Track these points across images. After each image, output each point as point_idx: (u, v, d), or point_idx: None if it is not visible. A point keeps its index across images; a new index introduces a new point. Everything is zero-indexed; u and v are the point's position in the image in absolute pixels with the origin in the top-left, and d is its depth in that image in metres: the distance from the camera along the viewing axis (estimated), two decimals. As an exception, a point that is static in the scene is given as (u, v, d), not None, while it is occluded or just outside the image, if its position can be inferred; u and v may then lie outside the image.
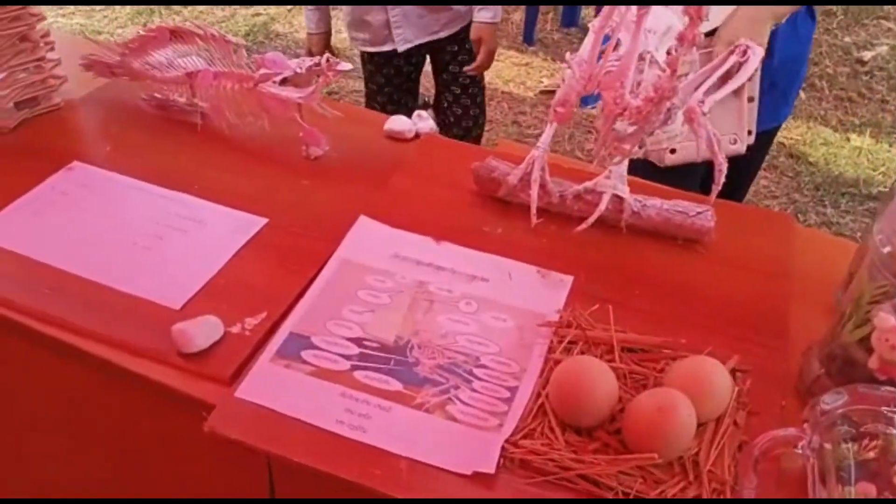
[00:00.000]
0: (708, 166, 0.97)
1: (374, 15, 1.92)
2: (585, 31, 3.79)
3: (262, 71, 1.05)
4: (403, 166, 1.09)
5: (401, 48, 1.96)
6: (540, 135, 3.61)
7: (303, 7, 2.09)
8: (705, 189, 1.48)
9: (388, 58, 2.03)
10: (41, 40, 1.14)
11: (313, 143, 1.09)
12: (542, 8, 3.92)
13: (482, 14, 1.92)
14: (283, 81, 1.05)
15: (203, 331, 0.82)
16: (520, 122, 3.24)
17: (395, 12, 1.91)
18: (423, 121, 1.19)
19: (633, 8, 0.71)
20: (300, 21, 3.75)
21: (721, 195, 0.92)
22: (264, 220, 1.00)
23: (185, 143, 1.13)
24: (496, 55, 2.10)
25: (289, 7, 3.86)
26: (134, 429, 0.91)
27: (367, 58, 2.07)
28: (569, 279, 0.91)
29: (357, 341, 0.83)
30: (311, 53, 2.04)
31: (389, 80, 2.11)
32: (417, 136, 1.18)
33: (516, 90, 3.45)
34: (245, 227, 0.98)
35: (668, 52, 0.83)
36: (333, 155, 1.12)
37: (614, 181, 0.95)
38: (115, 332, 0.83)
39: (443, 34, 1.99)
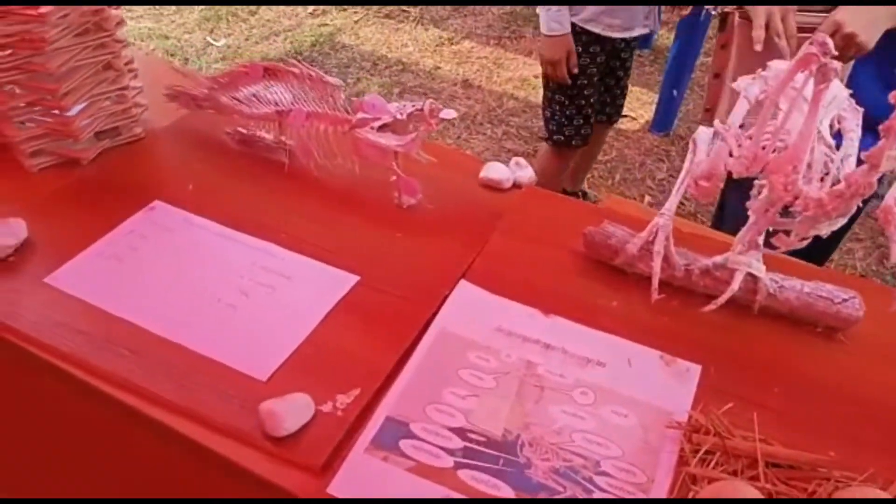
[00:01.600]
0: None
1: None
2: (658, 54, 3.66)
3: (360, 115, 0.97)
4: (504, 222, 1.01)
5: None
6: (614, 165, 3.50)
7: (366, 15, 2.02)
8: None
9: (614, 45, 2.08)
10: (125, 68, 1.08)
11: (409, 193, 1.01)
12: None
13: None
14: (381, 126, 0.98)
15: (293, 411, 0.75)
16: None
17: None
18: (522, 169, 1.10)
19: (810, 83, 0.62)
20: (366, 33, 3.71)
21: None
22: (355, 278, 0.92)
23: (271, 185, 1.06)
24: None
25: (355, 19, 3.82)
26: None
27: (591, 43, 2.06)
28: (696, 369, 0.81)
29: (460, 432, 0.75)
30: (551, 60, 2.02)
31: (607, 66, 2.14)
32: (516, 185, 1.09)
33: (585, 113, 3.34)
34: (335, 286, 0.91)
35: (832, 126, 0.73)
36: (426, 204, 1.04)
37: (749, 258, 0.85)
38: (198, 406, 0.76)
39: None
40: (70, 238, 0.94)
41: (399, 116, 0.96)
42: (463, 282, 0.90)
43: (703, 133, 0.84)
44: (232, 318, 0.86)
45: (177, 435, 0.75)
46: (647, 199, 2.87)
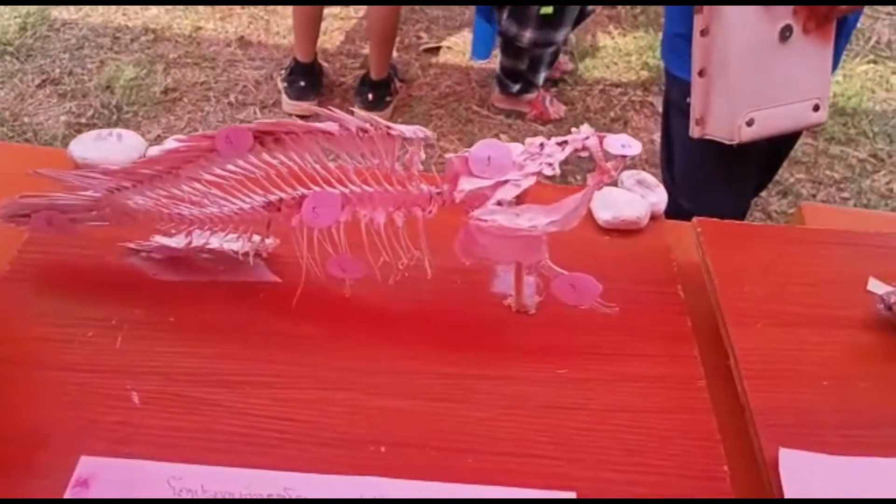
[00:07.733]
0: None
1: None
2: None
3: (467, 184, 0.49)
4: (724, 304, 0.58)
5: None
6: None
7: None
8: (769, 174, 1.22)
9: None
10: None
11: (580, 296, 0.55)
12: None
13: None
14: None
15: None
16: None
17: None
18: (653, 189, 0.69)
19: None
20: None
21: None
22: (569, 495, 0.47)
23: (271, 345, 0.55)
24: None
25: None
26: None
27: None
28: None
29: None
30: None
31: None
32: (653, 218, 0.68)
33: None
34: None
35: None
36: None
37: None
38: None
39: None
40: None
41: (547, 170, 0.50)
42: (785, 452, 0.49)
43: None
44: None
45: None
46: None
